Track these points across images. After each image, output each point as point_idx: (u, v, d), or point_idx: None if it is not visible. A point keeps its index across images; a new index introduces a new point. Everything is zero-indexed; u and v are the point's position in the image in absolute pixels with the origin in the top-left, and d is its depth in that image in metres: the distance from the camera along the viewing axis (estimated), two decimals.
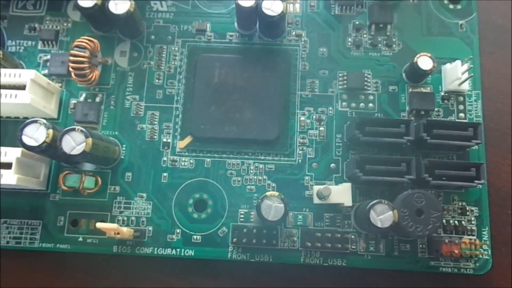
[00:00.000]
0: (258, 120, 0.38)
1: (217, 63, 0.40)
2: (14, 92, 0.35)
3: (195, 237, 0.37)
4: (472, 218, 0.37)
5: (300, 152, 0.38)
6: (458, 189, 0.37)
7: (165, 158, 0.38)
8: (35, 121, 0.32)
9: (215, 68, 0.40)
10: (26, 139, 0.32)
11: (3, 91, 0.35)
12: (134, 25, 0.40)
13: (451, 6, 0.41)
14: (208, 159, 0.38)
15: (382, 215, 0.33)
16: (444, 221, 0.37)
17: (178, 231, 0.37)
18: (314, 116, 0.39)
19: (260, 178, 0.38)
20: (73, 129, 0.32)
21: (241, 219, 0.37)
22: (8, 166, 0.34)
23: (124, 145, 0.39)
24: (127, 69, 0.40)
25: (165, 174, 0.38)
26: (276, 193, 0.33)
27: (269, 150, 0.38)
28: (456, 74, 0.38)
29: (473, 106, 0.39)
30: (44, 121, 0.33)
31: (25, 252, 0.37)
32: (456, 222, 0.37)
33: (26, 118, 0.39)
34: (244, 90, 0.39)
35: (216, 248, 0.37)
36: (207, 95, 0.39)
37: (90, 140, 0.32)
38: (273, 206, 0.33)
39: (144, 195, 0.38)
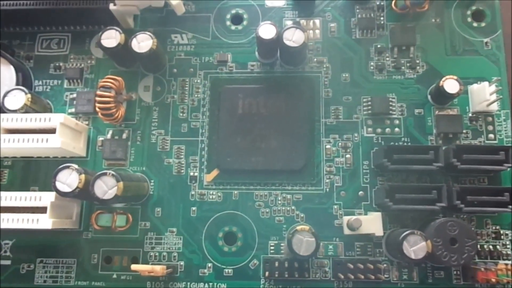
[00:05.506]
0: (284, 149, 0.38)
1: (240, 94, 0.40)
2: (44, 136, 0.36)
3: (226, 270, 0.37)
4: (507, 242, 0.36)
5: (327, 180, 0.38)
6: (491, 213, 0.37)
7: (193, 192, 0.39)
8: (67, 167, 0.33)
9: (238, 99, 0.40)
10: (59, 185, 0.33)
11: (35, 136, 0.36)
12: (156, 60, 0.40)
13: (475, 24, 0.41)
14: (235, 191, 0.38)
15: (415, 246, 0.33)
16: (478, 246, 0.36)
17: (209, 265, 0.37)
18: (340, 144, 0.39)
19: (288, 208, 0.38)
20: (105, 174, 0.33)
21: (271, 251, 0.37)
22: (43, 210, 0.34)
23: (152, 180, 0.39)
24: (152, 103, 0.41)
25: (194, 208, 0.38)
26: (307, 227, 0.33)
27: (296, 180, 0.38)
28: (484, 95, 0.37)
29: (503, 126, 0.38)
30: (76, 166, 0.33)
31: None
32: (491, 247, 0.36)
33: (56, 157, 0.40)
34: (268, 119, 0.39)
35: (248, 281, 0.37)
36: (232, 126, 0.39)
37: (121, 184, 0.33)
38: (304, 241, 0.33)
39: (175, 229, 0.38)
